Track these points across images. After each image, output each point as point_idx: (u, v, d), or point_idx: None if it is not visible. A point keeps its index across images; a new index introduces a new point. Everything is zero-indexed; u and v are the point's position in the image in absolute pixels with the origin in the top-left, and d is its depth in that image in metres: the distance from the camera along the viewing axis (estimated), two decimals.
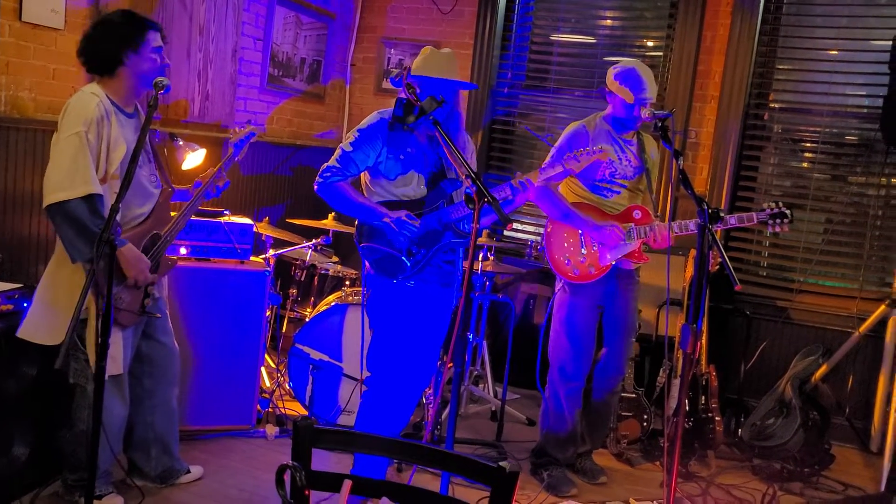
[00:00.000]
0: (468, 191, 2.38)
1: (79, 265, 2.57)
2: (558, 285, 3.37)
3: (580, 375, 3.36)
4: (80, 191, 2.47)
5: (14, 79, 3.20)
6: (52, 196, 2.48)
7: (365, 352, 3.03)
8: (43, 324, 2.61)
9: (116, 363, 2.69)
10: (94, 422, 2.24)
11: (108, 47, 2.61)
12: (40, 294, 2.66)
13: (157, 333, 2.94)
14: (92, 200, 2.49)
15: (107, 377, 2.64)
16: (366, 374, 3.00)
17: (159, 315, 2.90)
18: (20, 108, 3.25)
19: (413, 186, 2.88)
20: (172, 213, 2.89)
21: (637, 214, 3.25)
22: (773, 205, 3.08)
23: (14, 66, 3.19)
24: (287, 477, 1.45)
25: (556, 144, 3.30)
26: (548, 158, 3.25)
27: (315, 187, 2.92)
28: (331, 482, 1.51)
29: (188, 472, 3.12)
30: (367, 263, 2.94)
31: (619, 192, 3.30)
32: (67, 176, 2.47)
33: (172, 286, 3.23)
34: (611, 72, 3.25)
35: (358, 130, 2.89)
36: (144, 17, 2.69)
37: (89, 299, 2.52)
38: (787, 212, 3.04)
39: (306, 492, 1.45)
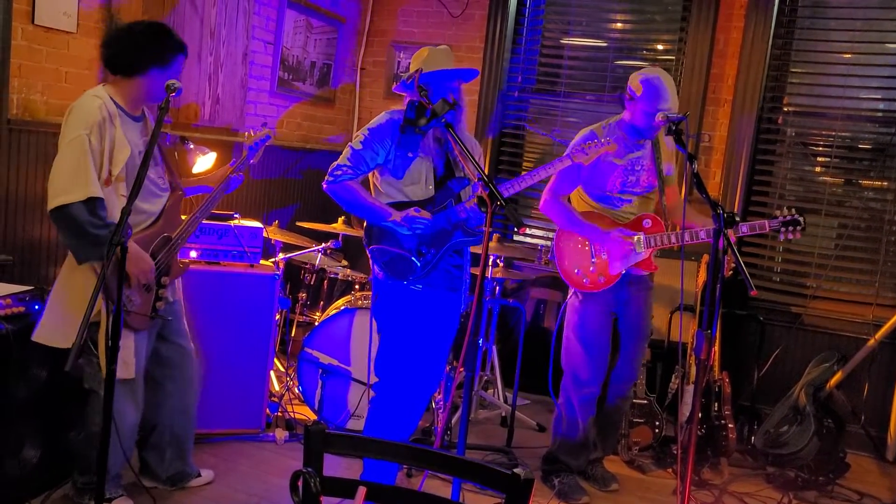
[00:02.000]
0: (480, 193, 2.36)
1: (85, 268, 2.58)
2: (570, 291, 3.35)
3: (594, 382, 3.33)
4: (80, 194, 2.49)
5: (26, 82, 3.21)
6: (55, 200, 2.50)
7: (373, 356, 3.02)
8: (58, 327, 2.61)
9: (128, 367, 2.68)
10: (104, 425, 2.23)
11: (138, 55, 2.63)
12: (54, 298, 2.66)
13: (174, 336, 2.95)
14: (92, 204, 2.51)
15: (118, 380, 2.64)
16: (374, 379, 2.99)
17: (170, 318, 2.89)
18: (32, 110, 3.25)
19: (422, 186, 2.87)
20: (183, 217, 2.89)
21: (647, 223, 3.21)
22: (785, 212, 3.04)
23: (26, 69, 3.20)
24: (300, 483, 1.42)
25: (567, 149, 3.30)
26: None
27: (324, 186, 2.90)
28: (343, 488, 1.49)
29: (199, 475, 3.12)
30: (375, 267, 2.93)
31: (630, 202, 3.28)
32: (70, 180, 2.49)
33: (182, 289, 3.22)
34: (635, 77, 3.19)
35: (368, 129, 2.89)
36: (180, 40, 2.72)
37: (100, 302, 2.52)
38: (800, 219, 3.00)
39: (320, 498, 1.43)
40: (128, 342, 2.66)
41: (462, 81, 2.92)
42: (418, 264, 2.84)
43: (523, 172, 5.18)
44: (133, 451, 2.91)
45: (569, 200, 3.41)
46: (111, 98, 2.62)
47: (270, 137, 3.12)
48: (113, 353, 2.18)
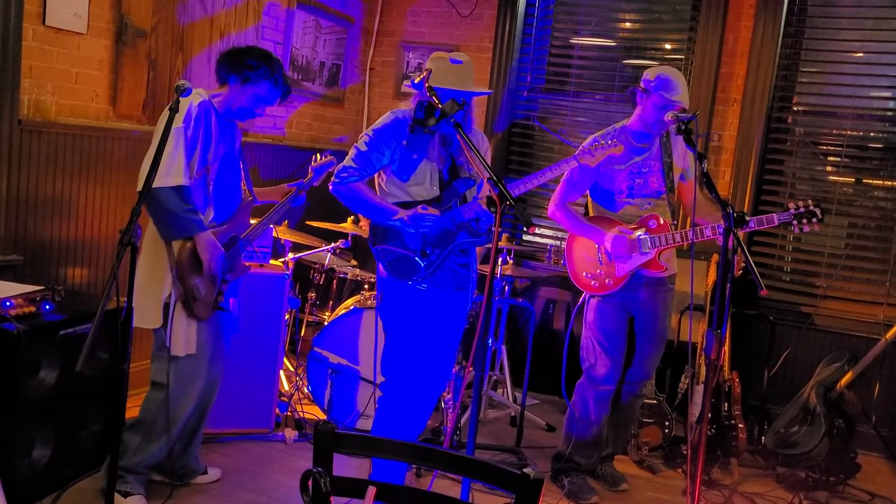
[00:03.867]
0: (489, 193, 2.36)
1: (161, 252, 2.75)
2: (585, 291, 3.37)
3: (611, 379, 3.33)
4: (171, 181, 2.67)
5: (37, 82, 3.23)
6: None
7: (379, 356, 3.02)
8: (143, 309, 2.75)
9: (190, 343, 2.80)
10: (117, 422, 2.24)
11: (226, 64, 2.84)
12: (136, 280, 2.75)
13: (221, 336, 3.01)
14: (179, 190, 2.68)
15: (184, 366, 2.81)
16: (381, 378, 2.99)
17: (230, 310, 3.02)
18: (43, 111, 3.27)
19: (426, 186, 2.86)
20: (253, 221, 3.08)
21: (652, 224, 3.21)
22: (799, 204, 2.99)
23: (37, 70, 3.22)
24: (310, 482, 1.43)
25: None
26: (563, 176, 3.30)
27: (330, 187, 2.91)
28: (352, 488, 1.49)
29: (205, 472, 3.13)
30: (380, 266, 2.93)
31: (639, 207, 3.26)
32: (163, 166, 2.62)
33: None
34: (648, 72, 3.19)
35: (373, 130, 2.88)
36: (277, 69, 2.87)
37: (170, 285, 2.73)
38: (817, 210, 2.95)
39: (330, 498, 1.43)
40: (190, 321, 2.80)
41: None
42: (422, 265, 2.84)
43: (530, 171, 5.21)
44: (170, 446, 2.93)
45: (586, 210, 3.42)
46: (210, 98, 2.83)
47: (334, 164, 3.27)
48: (123, 352, 2.20)
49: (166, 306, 2.75)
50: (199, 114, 2.75)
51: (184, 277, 2.74)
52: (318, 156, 3.29)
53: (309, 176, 3.24)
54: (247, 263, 3.13)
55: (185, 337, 2.78)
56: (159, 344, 2.81)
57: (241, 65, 2.82)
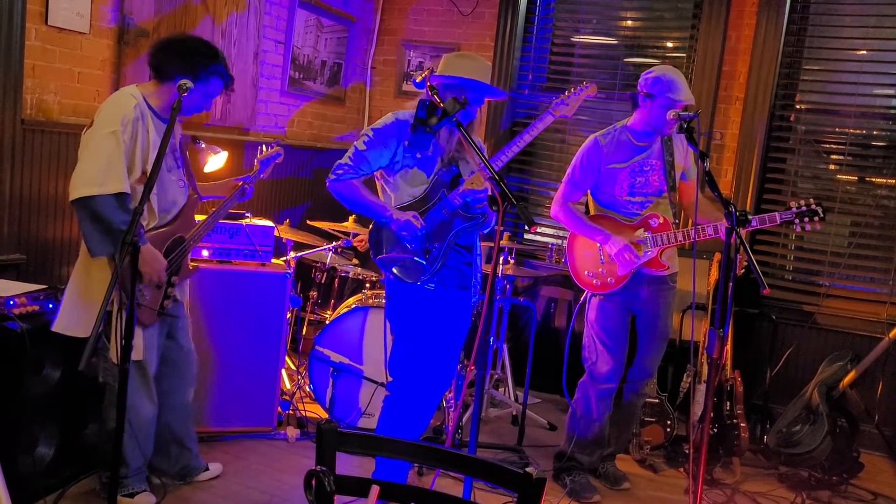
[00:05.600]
0: (491, 192, 2.36)
1: (101, 259, 2.61)
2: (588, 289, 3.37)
3: (613, 377, 3.34)
4: (111, 188, 2.52)
5: (39, 82, 3.23)
6: (83, 190, 2.52)
7: (387, 356, 3.02)
8: (77, 317, 2.65)
9: (137, 349, 2.70)
10: (117, 421, 2.24)
11: (175, 62, 2.66)
12: (72, 288, 2.69)
13: (179, 336, 2.97)
14: (122, 198, 2.54)
15: (131, 370, 2.67)
16: (388, 378, 2.99)
17: (176, 315, 2.93)
18: (45, 110, 3.28)
19: (426, 185, 2.86)
20: (198, 217, 2.94)
21: (654, 222, 3.21)
22: (801, 202, 3.00)
23: (40, 70, 3.22)
24: (314, 482, 1.43)
25: (572, 163, 3.32)
26: (565, 176, 3.31)
27: (327, 183, 2.91)
28: (355, 487, 1.49)
29: (207, 469, 3.14)
30: (387, 272, 2.92)
31: (641, 206, 3.26)
32: (101, 172, 2.51)
33: (194, 288, 3.24)
34: (646, 76, 3.18)
35: (372, 130, 2.87)
36: (222, 61, 2.76)
37: (113, 295, 2.53)
38: (819, 209, 2.97)
39: (334, 497, 1.44)
40: (136, 329, 2.68)
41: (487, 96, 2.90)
42: (424, 263, 2.83)
43: (532, 170, 5.22)
44: (150, 448, 2.92)
45: (586, 209, 3.42)
46: (144, 99, 2.67)
47: (280, 155, 3.22)
48: (126, 352, 2.20)
49: (109, 313, 2.59)
50: (135, 117, 2.59)
51: (125, 284, 2.59)
52: (265, 147, 3.22)
53: (255, 168, 3.16)
54: (193, 264, 2.99)
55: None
56: (101, 343, 2.69)
57: (194, 66, 2.66)
